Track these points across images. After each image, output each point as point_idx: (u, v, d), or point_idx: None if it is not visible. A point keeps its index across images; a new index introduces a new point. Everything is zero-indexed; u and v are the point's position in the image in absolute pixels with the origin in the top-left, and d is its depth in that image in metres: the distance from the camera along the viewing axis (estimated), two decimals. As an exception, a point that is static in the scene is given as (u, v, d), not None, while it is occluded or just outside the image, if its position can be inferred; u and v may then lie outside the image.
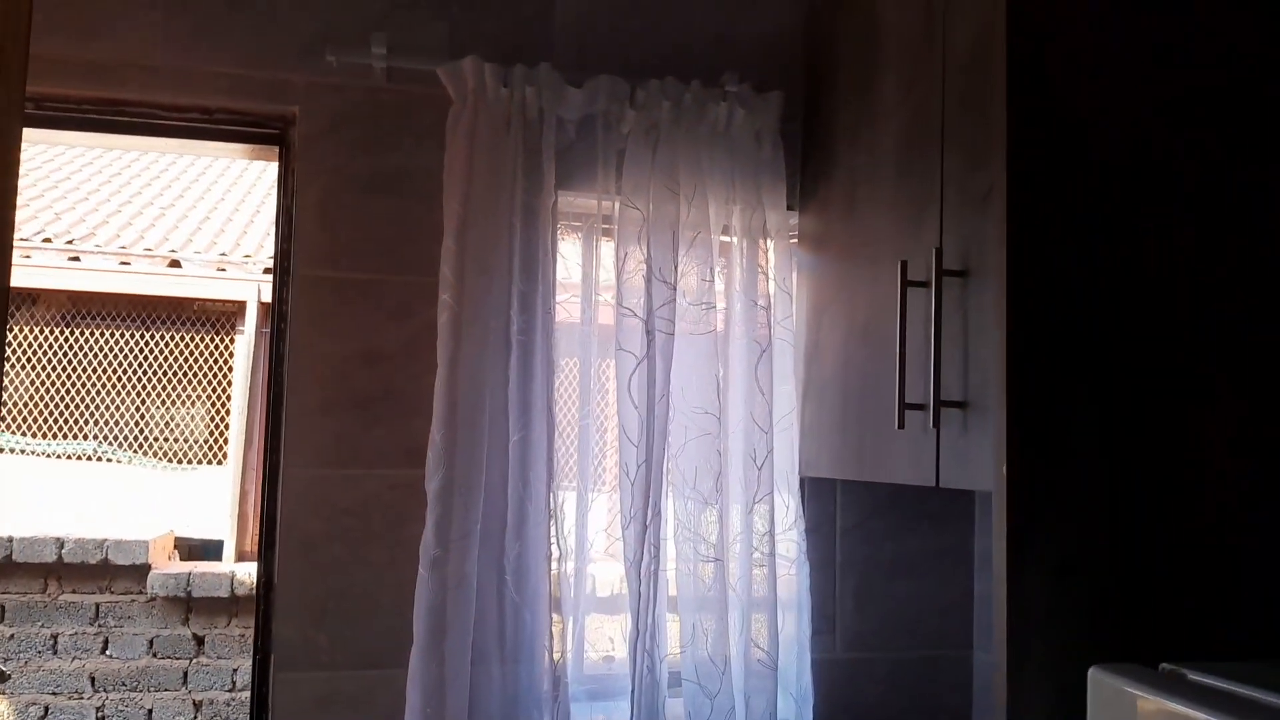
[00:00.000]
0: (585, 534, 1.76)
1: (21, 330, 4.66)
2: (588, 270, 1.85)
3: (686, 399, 1.77)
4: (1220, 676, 0.81)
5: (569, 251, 1.86)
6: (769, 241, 1.84)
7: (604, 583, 1.83)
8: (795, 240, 1.91)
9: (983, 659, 1.91)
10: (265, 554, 1.72)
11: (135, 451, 4.78)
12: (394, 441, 1.72)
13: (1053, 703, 0.91)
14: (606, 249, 1.85)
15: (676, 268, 1.76)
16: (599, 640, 1.82)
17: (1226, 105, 1.19)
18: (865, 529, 1.91)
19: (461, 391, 1.65)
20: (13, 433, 4.56)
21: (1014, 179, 1.05)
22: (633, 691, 1.64)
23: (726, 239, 1.86)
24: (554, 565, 1.69)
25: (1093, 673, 0.87)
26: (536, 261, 1.74)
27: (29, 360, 4.69)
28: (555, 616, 1.67)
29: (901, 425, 1.43)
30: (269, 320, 4.79)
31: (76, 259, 4.70)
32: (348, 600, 1.69)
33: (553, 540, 1.69)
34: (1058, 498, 0.95)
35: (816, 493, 1.89)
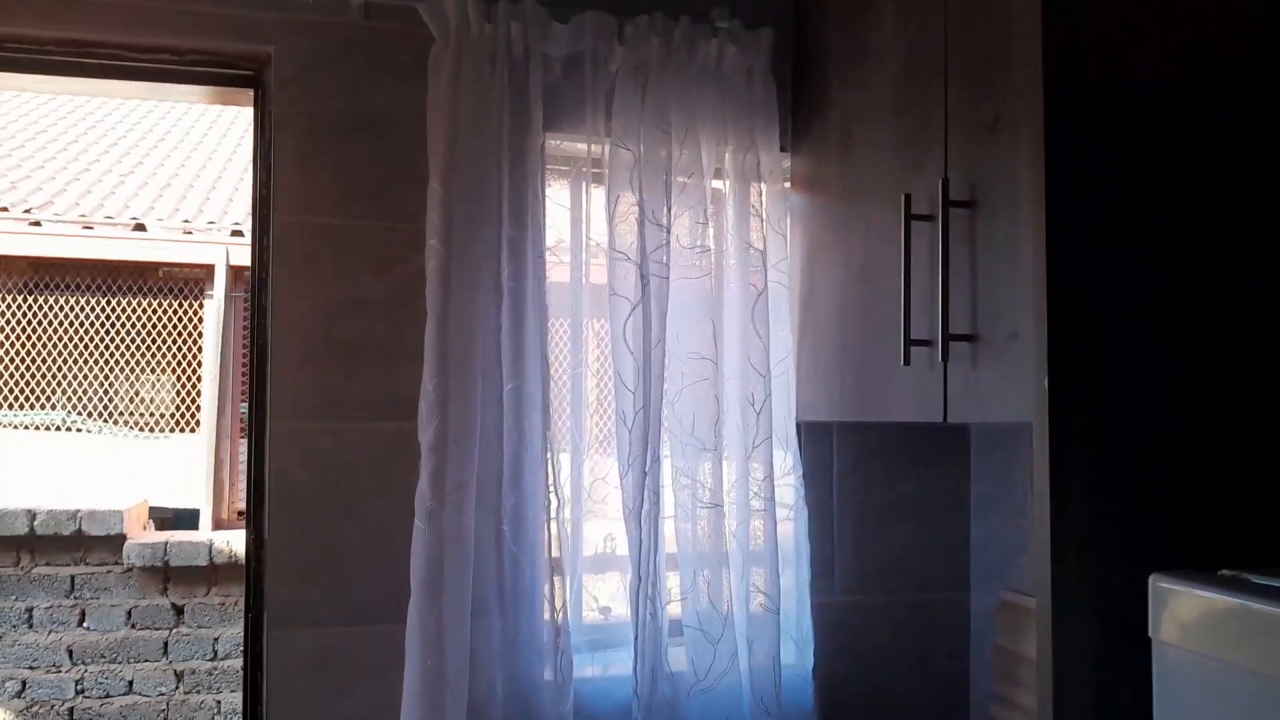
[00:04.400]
0: (581, 484, 1.73)
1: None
2: (576, 216, 1.80)
3: (682, 344, 1.74)
4: (1283, 579, 0.79)
5: (557, 198, 1.80)
6: (762, 184, 1.80)
7: (595, 540, 1.81)
8: (789, 184, 1.87)
9: (979, 600, 1.92)
10: (254, 511, 1.67)
11: (104, 421, 4.67)
12: (381, 392, 1.67)
13: (1096, 619, 0.89)
14: (596, 196, 1.80)
15: (669, 210, 1.72)
16: (596, 594, 1.80)
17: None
18: (862, 473, 1.90)
19: (452, 339, 1.61)
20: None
21: (1050, 100, 0.99)
22: (635, 640, 1.62)
23: (719, 183, 1.82)
24: (552, 515, 1.66)
25: (1154, 579, 0.85)
26: (526, 206, 1.69)
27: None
28: (554, 568, 1.64)
29: (907, 362, 1.40)
30: (239, 283, 4.69)
31: (37, 224, 4.55)
32: (340, 555, 1.65)
33: (550, 490, 1.65)
34: (1098, 419, 0.93)
35: (812, 438, 1.87)
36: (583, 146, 1.78)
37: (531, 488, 1.66)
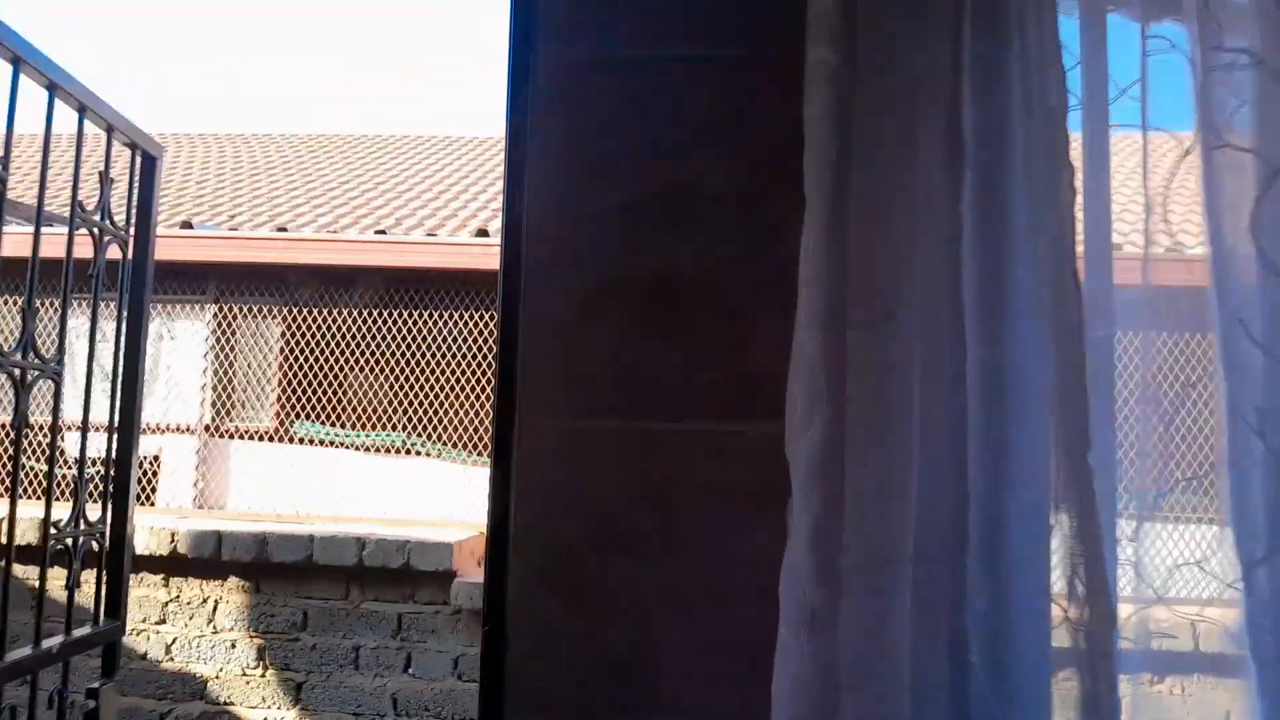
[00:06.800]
0: (1146, 559, 0.81)
1: (335, 313, 4.50)
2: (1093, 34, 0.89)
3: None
4: None
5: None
6: None
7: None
8: None
9: None
10: (492, 571, 0.94)
11: (444, 444, 4.41)
12: (713, 368, 0.88)
13: None
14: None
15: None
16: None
17: None
18: None
19: (855, 253, 0.78)
20: (322, 422, 4.37)
21: None
22: None
23: None
24: (1069, 621, 0.76)
25: None
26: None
27: (339, 345, 4.50)
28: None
29: None
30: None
31: (382, 233, 4.45)
32: (632, 670, 0.87)
33: (1075, 574, 0.75)
34: None
35: None
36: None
37: (1027, 565, 0.77)
